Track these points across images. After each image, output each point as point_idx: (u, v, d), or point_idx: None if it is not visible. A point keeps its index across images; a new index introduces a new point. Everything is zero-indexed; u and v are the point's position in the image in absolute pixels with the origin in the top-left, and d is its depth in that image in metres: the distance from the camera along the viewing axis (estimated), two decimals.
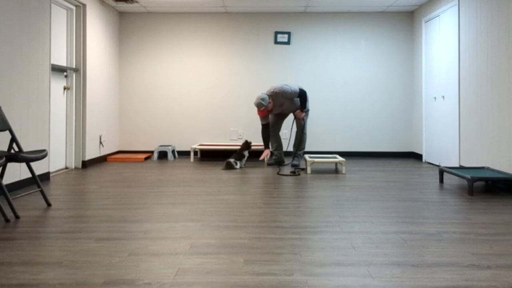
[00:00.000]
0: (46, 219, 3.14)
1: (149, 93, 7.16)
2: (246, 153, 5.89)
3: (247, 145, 5.87)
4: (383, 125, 7.12)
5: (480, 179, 4.00)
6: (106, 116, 6.60)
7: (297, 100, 5.84)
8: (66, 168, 5.71)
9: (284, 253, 2.42)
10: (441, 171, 4.68)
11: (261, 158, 5.88)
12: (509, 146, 4.31)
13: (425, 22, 6.56)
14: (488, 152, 4.71)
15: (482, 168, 4.61)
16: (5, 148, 3.98)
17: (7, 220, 3.08)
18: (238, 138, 7.14)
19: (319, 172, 5.47)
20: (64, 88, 5.64)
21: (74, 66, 5.74)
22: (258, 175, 5.21)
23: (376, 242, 2.62)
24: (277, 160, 6.08)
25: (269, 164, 6.08)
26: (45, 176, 4.78)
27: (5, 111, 4.02)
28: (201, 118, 7.15)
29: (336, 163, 5.82)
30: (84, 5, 5.76)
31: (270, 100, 5.71)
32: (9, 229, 2.90)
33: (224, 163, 5.83)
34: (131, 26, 7.15)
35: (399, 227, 2.95)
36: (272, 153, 6.08)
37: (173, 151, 7.05)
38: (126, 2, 6.46)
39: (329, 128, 7.13)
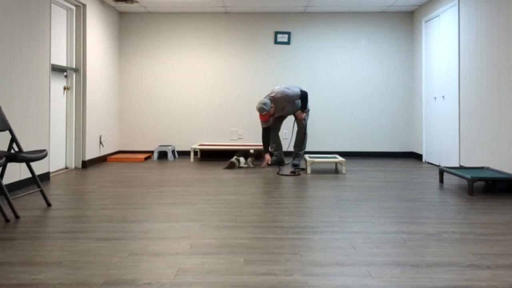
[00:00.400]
0: (46, 219, 3.14)
1: (149, 93, 7.16)
2: (250, 160, 5.94)
3: (252, 154, 5.94)
4: (383, 125, 7.12)
5: (480, 179, 4.00)
6: (106, 116, 6.60)
7: (298, 102, 5.82)
8: (66, 168, 5.71)
9: (284, 253, 2.42)
10: (441, 171, 4.68)
11: (263, 165, 5.88)
12: (509, 146, 4.31)
13: (425, 22, 6.56)
14: (488, 152, 4.71)
15: (482, 168, 4.61)
16: (5, 148, 3.98)
17: (7, 220, 3.08)
18: (238, 138, 7.14)
19: (319, 172, 5.47)
20: (64, 88, 5.64)
21: (74, 66, 5.74)
22: (258, 175, 5.21)
23: (376, 242, 2.62)
24: (277, 160, 6.07)
25: (269, 164, 6.08)
26: (45, 176, 4.79)
27: (5, 111, 4.02)
28: (201, 118, 7.15)
29: (336, 163, 5.82)
30: (84, 5, 5.76)
31: (272, 105, 5.70)
32: (9, 229, 2.90)
33: (228, 162, 5.81)
34: (131, 26, 7.15)
35: (399, 227, 2.95)
36: (272, 154, 6.08)
37: (173, 151, 7.05)
38: (126, 2, 6.46)
39: (329, 128, 7.13)
